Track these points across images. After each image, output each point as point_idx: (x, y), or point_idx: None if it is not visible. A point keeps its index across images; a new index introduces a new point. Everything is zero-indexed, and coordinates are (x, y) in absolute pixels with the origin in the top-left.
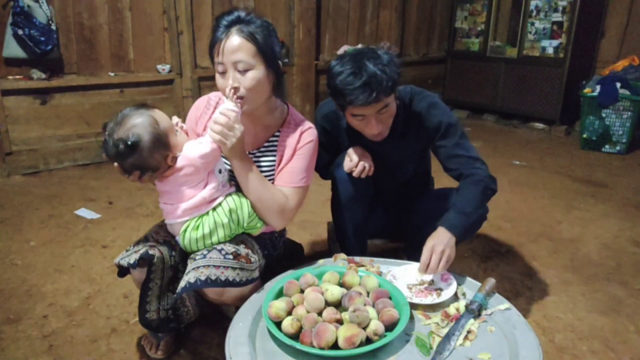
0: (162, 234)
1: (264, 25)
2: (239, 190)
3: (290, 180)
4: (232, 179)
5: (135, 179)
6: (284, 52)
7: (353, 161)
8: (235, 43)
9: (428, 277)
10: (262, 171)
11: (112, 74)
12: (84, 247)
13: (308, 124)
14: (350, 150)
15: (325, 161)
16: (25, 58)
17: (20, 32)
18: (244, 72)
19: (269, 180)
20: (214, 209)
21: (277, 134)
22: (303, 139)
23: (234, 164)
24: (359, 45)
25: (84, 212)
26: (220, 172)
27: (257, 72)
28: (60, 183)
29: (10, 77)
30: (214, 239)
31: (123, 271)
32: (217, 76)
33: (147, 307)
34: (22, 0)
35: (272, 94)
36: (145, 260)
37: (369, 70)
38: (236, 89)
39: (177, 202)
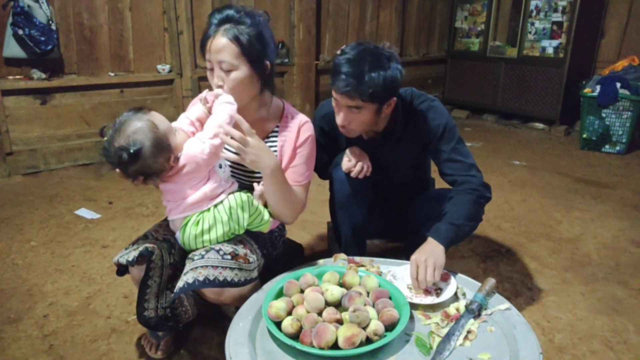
0: (162, 232)
1: (254, 24)
2: (241, 188)
3: (296, 179)
4: (234, 175)
5: (139, 184)
6: (283, 52)
7: (352, 161)
8: (220, 43)
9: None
10: None
11: (112, 74)
12: (84, 247)
13: (304, 117)
14: (349, 151)
15: (324, 161)
16: (25, 58)
17: (20, 32)
18: (227, 72)
19: None
20: (215, 205)
21: (276, 129)
22: (301, 134)
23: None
24: None
25: (84, 212)
26: (220, 167)
27: (240, 73)
28: (60, 183)
29: (10, 77)
30: (213, 235)
31: (122, 270)
32: (208, 72)
33: (145, 304)
34: (22, 0)
35: (260, 91)
36: (144, 258)
37: (361, 67)
38: (221, 87)
39: (180, 199)
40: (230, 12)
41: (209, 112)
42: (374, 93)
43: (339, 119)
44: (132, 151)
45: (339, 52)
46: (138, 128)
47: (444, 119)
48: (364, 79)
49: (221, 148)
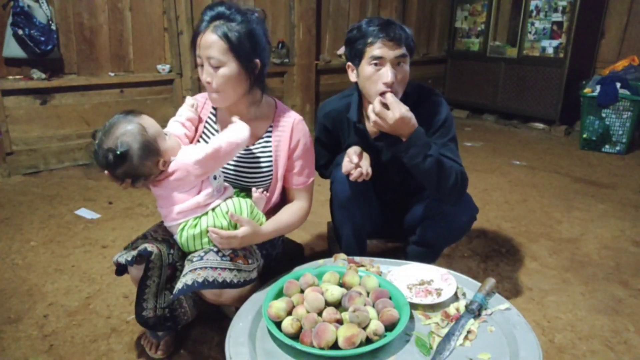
0: (161, 232)
1: (245, 22)
2: (241, 193)
3: (302, 181)
4: (227, 180)
5: (127, 187)
6: (283, 52)
7: (353, 162)
8: (209, 40)
9: (428, 277)
10: (261, 167)
11: (112, 74)
12: (84, 247)
13: (297, 115)
14: (350, 151)
15: (325, 160)
16: (25, 58)
17: (20, 32)
18: (216, 68)
19: (268, 173)
20: (213, 209)
21: (269, 129)
22: (295, 134)
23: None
24: None
25: (84, 212)
26: (215, 178)
27: (228, 70)
28: (60, 183)
29: (10, 77)
30: None
31: (121, 269)
32: (198, 67)
33: (144, 304)
34: (22, 0)
35: (249, 89)
36: (142, 258)
37: (390, 20)
38: (209, 83)
39: (170, 205)
40: (222, 9)
41: (198, 116)
42: (411, 40)
43: (388, 75)
44: (118, 153)
45: (355, 25)
46: (127, 130)
47: (444, 114)
48: (399, 27)
49: (215, 160)
